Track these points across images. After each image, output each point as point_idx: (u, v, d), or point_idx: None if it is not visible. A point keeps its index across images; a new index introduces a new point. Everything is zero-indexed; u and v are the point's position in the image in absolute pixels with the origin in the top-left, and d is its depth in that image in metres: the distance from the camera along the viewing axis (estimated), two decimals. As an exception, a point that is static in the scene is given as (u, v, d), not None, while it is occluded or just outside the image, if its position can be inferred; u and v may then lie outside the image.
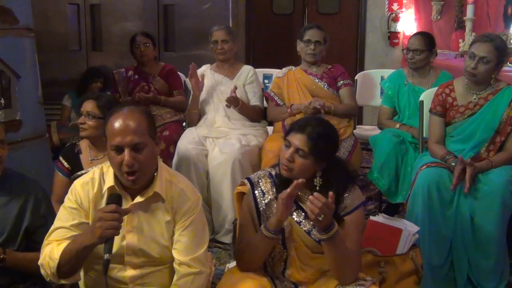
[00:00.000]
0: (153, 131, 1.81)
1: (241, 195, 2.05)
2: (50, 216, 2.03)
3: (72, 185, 1.87)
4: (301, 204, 1.96)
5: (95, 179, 1.84)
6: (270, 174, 2.04)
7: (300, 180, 1.80)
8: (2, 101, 2.88)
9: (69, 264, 1.73)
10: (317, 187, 1.90)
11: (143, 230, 1.83)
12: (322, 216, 1.73)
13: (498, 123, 2.68)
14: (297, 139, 1.88)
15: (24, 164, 2.99)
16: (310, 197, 1.75)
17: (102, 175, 1.85)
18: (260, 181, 2.02)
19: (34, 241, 2.02)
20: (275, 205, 1.96)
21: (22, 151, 3.00)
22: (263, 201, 1.98)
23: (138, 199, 1.81)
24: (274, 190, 1.99)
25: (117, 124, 1.73)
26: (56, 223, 1.84)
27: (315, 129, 1.89)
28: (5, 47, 2.89)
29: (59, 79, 4.74)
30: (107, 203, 1.71)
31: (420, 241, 2.42)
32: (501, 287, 2.56)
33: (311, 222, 1.87)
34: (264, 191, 2.00)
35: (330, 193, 1.77)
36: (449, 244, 2.59)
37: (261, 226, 1.90)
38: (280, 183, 1.96)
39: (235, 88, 3.37)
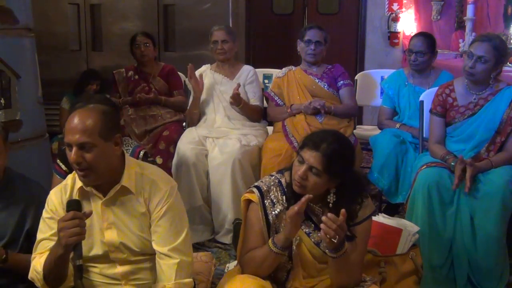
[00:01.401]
0: (109, 132, 1.75)
1: (248, 202, 1.98)
2: None
3: (48, 195, 1.89)
4: (310, 215, 1.92)
5: (67, 185, 1.87)
6: (280, 181, 1.96)
7: (307, 196, 1.75)
8: (2, 101, 2.88)
9: (53, 274, 1.76)
10: (330, 204, 1.85)
11: (120, 224, 1.83)
12: (337, 237, 1.70)
13: (499, 123, 2.68)
14: (311, 156, 1.80)
15: (24, 164, 2.99)
16: (324, 218, 1.70)
17: (74, 179, 1.87)
18: (270, 190, 1.94)
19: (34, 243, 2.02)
20: (284, 216, 1.91)
21: (22, 151, 2.99)
22: (273, 212, 1.91)
23: (107, 195, 1.82)
24: (284, 199, 1.93)
25: (69, 121, 1.74)
26: (38, 235, 1.86)
27: (330, 146, 1.80)
28: (5, 47, 2.89)
29: (59, 79, 4.73)
30: (66, 211, 1.71)
31: (420, 241, 2.42)
32: (501, 287, 2.56)
33: (322, 240, 1.81)
34: (274, 201, 1.93)
35: (342, 211, 1.72)
36: (449, 244, 2.59)
37: (268, 241, 1.85)
38: (291, 194, 1.91)
39: (239, 85, 3.37)
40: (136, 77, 3.94)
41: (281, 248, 1.82)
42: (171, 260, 1.80)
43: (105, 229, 1.82)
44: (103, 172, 1.77)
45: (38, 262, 1.79)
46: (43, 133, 3.21)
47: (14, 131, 2.94)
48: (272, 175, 2.01)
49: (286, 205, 1.91)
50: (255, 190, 1.95)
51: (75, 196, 1.83)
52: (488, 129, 2.69)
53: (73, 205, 1.71)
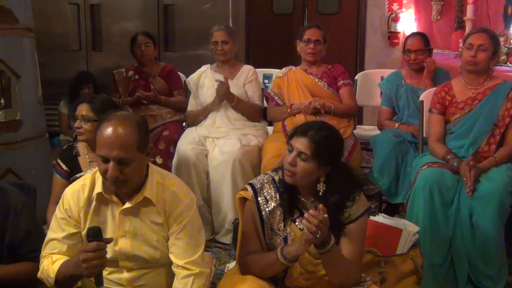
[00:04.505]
0: (143, 144, 1.75)
1: (243, 200, 2.00)
2: (33, 228, 1.97)
3: (64, 193, 1.87)
4: (303, 211, 1.93)
5: (85, 185, 1.84)
6: (273, 179, 1.98)
7: (325, 216, 1.74)
8: (2, 101, 2.88)
9: (65, 282, 1.78)
10: (320, 193, 1.87)
11: (135, 234, 1.82)
12: (319, 232, 1.71)
13: (497, 115, 2.72)
14: (300, 143, 1.85)
15: (24, 164, 3.00)
16: (306, 215, 1.72)
17: (93, 180, 1.84)
18: (263, 187, 1.97)
19: (20, 254, 1.96)
20: (278, 212, 1.94)
21: (22, 151, 3.00)
22: (266, 209, 1.94)
23: (128, 204, 1.80)
24: (278, 196, 1.95)
25: (106, 134, 1.70)
26: (49, 233, 1.85)
27: (318, 132, 1.85)
28: (5, 47, 2.89)
29: (59, 79, 4.73)
30: (88, 239, 1.68)
31: (421, 240, 2.42)
32: (500, 286, 2.57)
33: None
34: (268, 198, 1.95)
35: (321, 206, 1.74)
36: (449, 243, 2.60)
37: (277, 251, 1.85)
38: (284, 189, 1.93)
39: (226, 78, 3.34)
40: (136, 77, 3.94)
41: (289, 261, 1.83)
42: (188, 271, 1.80)
43: (119, 236, 1.82)
44: (134, 182, 1.77)
45: (50, 268, 1.78)
46: (43, 133, 3.22)
47: (14, 131, 2.95)
48: (266, 173, 2.04)
49: (279, 201, 1.93)
50: (248, 187, 1.98)
51: (93, 198, 1.81)
52: (486, 122, 2.73)
53: (94, 234, 1.67)
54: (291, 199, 1.93)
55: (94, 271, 1.66)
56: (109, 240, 1.71)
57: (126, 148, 1.69)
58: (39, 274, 1.83)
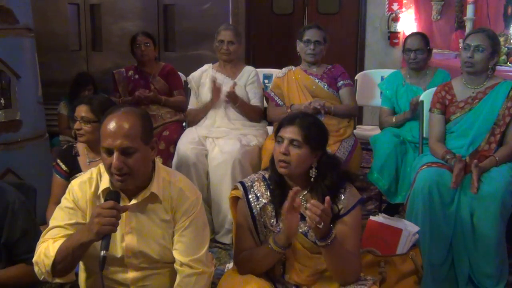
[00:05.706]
0: (148, 136, 1.76)
1: (235, 199, 2.03)
2: (30, 227, 1.96)
3: (70, 185, 1.86)
4: (296, 206, 1.94)
5: (92, 178, 1.84)
6: (264, 177, 2.02)
7: (295, 189, 1.78)
8: (2, 101, 2.88)
9: (65, 261, 1.71)
10: (312, 178, 1.91)
11: (142, 231, 1.82)
12: (322, 223, 1.72)
13: (497, 115, 2.72)
14: (289, 132, 1.90)
15: (24, 164, 3.00)
16: (308, 205, 1.74)
17: (99, 175, 1.84)
18: (253, 184, 2.00)
19: (15, 254, 1.94)
20: (269, 209, 1.96)
21: (22, 151, 3.00)
22: (257, 206, 1.96)
23: (134, 200, 1.80)
24: (268, 193, 1.97)
25: (110, 125, 1.71)
26: (52, 222, 1.83)
27: (304, 119, 1.94)
28: (5, 47, 2.89)
29: (59, 79, 4.73)
30: (105, 199, 1.70)
31: (421, 240, 2.42)
32: (501, 286, 2.57)
33: (309, 228, 1.85)
34: (258, 195, 1.98)
35: (327, 198, 1.75)
36: (449, 243, 2.60)
37: (269, 240, 1.87)
38: (275, 186, 1.96)
39: (235, 84, 3.35)
40: (136, 76, 3.95)
41: (282, 247, 1.84)
42: (192, 270, 1.80)
43: (126, 233, 1.81)
44: (140, 177, 1.76)
45: (51, 246, 1.73)
46: (43, 133, 3.22)
47: (14, 131, 2.95)
48: (257, 172, 2.08)
49: (270, 198, 1.96)
50: (239, 185, 2.02)
51: (101, 193, 1.81)
52: (486, 121, 2.74)
53: (113, 196, 1.70)
54: (282, 195, 1.94)
55: (104, 229, 1.63)
56: (124, 208, 1.71)
57: (130, 137, 1.70)
58: (34, 259, 1.78)
